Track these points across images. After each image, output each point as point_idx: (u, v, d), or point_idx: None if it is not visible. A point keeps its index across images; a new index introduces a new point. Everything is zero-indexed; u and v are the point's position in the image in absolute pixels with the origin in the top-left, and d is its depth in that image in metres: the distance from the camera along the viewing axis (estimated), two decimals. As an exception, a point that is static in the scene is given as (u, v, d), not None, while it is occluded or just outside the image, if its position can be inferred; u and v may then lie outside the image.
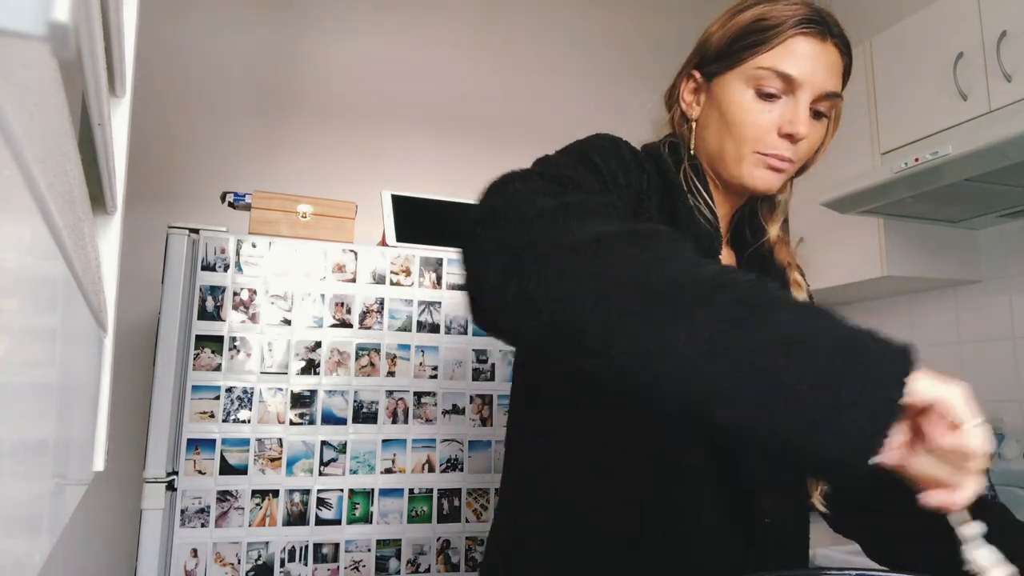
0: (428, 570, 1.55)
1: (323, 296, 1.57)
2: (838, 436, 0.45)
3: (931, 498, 0.48)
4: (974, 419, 0.47)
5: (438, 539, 1.57)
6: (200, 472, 1.44)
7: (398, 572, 1.53)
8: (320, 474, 1.51)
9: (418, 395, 1.60)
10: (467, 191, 2.37)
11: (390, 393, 1.58)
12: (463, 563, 1.57)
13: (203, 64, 2.27)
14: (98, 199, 0.55)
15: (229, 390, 1.48)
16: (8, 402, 0.23)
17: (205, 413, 1.46)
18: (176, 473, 1.43)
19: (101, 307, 0.55)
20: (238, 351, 1.50)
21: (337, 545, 1.50)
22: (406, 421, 1.59)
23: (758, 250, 0.87)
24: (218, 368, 1.48)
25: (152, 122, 2.14)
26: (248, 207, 1.65)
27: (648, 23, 2.80)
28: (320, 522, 1.50)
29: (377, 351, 1.59)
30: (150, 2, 2.02)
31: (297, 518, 1.48)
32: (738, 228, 0.88)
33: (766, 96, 0.76)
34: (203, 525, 1.43)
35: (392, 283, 1.63)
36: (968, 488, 0.48)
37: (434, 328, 1.64)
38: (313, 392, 1.53)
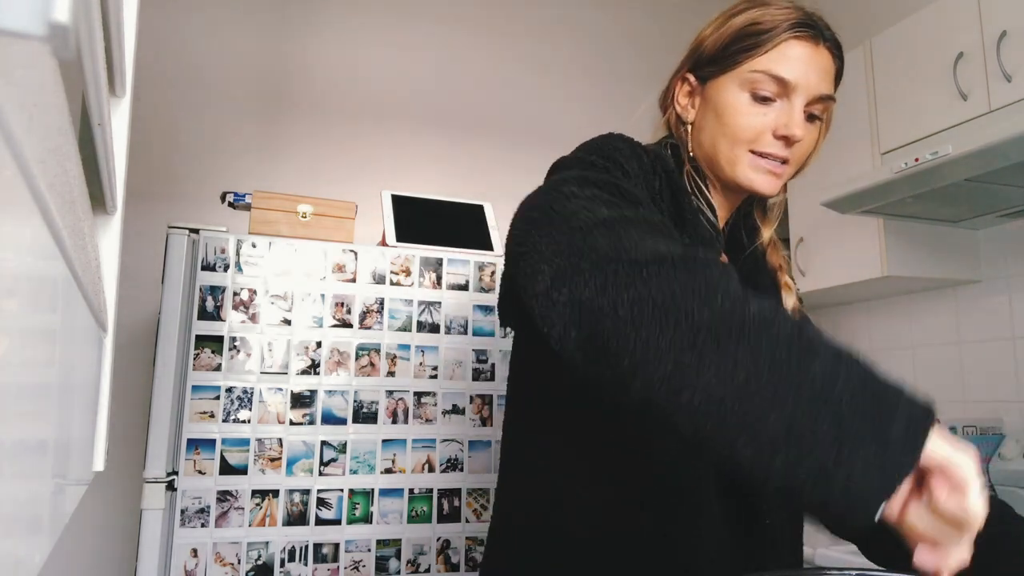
0: (428, 570, 1.55)
1: (323, 296, 1.57)
2: (849, 490, 0.46)
3: (923, 560, 0.49)
4: (977, 487, 0.47)
5: (438, 539, 1.57)
6: (200, 472, 1.44)
7: (398, 572, 1.53)
8: (320, 474, 1.51)
9: (418, 395, 1.60)
10: (467, 191, 2.37)
11: (390, 393, 1.58)
12: (463, 563, 1.57)
13: (203, 64, 2.27)
14: (98, 199, 0.55)
15: (229, 390, 1.48)
16: (8, 402, 0.23)
17: (205, 413, 1.46)
18: (176, 473, 1.43)
19: (101, 307, 0.55)
20: (238, 351, 1.50)
21: (337, 545, 1.50)
22: (406, 421, 1.59)
23: (751, 252, 0.87)
24: (218, 368, 1.48)
25: (152, 122, 2.14)
26: (248, 207, 1.65)
27: (649, 23, 2.80)
28: (320, 522, 1.50)
29: (377, 351, 1.59)
30: (150, 2, 2.02)
31: (297, 518, 1.48)
32: (734, 230, 0.89)
33: (761, 99, 0.77)
34: (203, 525, 1.43)
35: (392, 283, 1.63)
36: (958, 555, 0.48)
37: (434, 328, 1.64)
38: (313, 392, 1.53)
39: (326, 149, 2.36)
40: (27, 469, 0.29)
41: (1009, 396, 1.92)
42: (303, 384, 1.53)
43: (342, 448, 1.53)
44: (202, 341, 1.48)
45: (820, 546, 1.57)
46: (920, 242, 1.98)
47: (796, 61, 0.76)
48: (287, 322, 1.54)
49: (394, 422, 1.58)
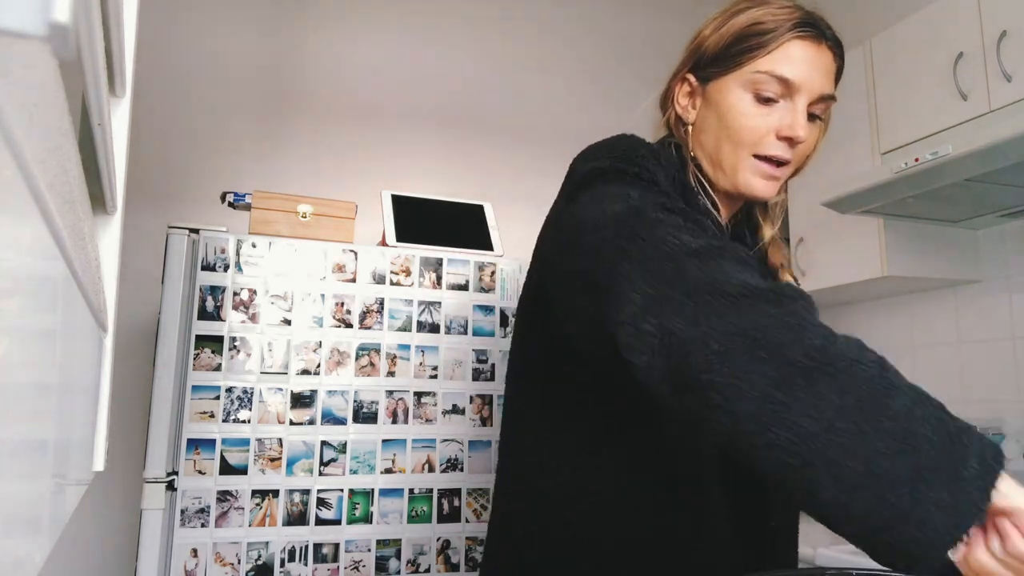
0: (428, 570, 1.55)
1: (323, 296, 1.57)
2: (922, 534, 0.47)
3: None
4: None
5: (438, 539, 1.57)
6: (200, 472, 1.44)
7: (398, 572, 1.53)
8: (320, 474, 1.51)
9: (418, 395, 1.60)
10: (467, 191, 2.37)
11: (390, 393, 1.58)
12: (463, 563, 1.57)
13: (203, 64, 2.27)
14: (98, 199, 0.55)
15: (229, 390, 1.48)
16: (8, 402, 0.23)
17: (205, 413, 1.46)
18: (176, 473, 1.43)
19: (101, 307, 0.55)
20: (238, 351, 1.50)
21: (337, 545, 1.50)
22: (406, 421, 1.59)
23: (753, 252, 0.87)
24: (218, 368, 1.48)
25: (152, 122, 2.14)
26: (248, 207, 1.65)
27: (649, 23, 2.80)
28: (320, 522, 1.50)
29: (377, 351, 1.59)
30: (150, 2, 2.02)
31: (297, 518, 1.48)
32: (737, 229, 0.89)
33: (764, 100, 0.77)
34: (203, 525, 1.43)
35: (392, 283, 1.63)
36: None
37: (434, 328, 1.64)
38: (313, 392, 1.53)
39: (326, 149, 2.36)
40: (27, 469, 0.29)
41: (1009, 396, 1.92)
42: (303, 384, 1.53)
43: (342, 448, 1.53)
44: (202, 341, 1.48)
45: (820, 546, 1.57)
46: (920, 242, 1.98)
47: (799, 61, 0.76)
48: (287, 322, 1.54)
49: (394, 422, 1.58)
